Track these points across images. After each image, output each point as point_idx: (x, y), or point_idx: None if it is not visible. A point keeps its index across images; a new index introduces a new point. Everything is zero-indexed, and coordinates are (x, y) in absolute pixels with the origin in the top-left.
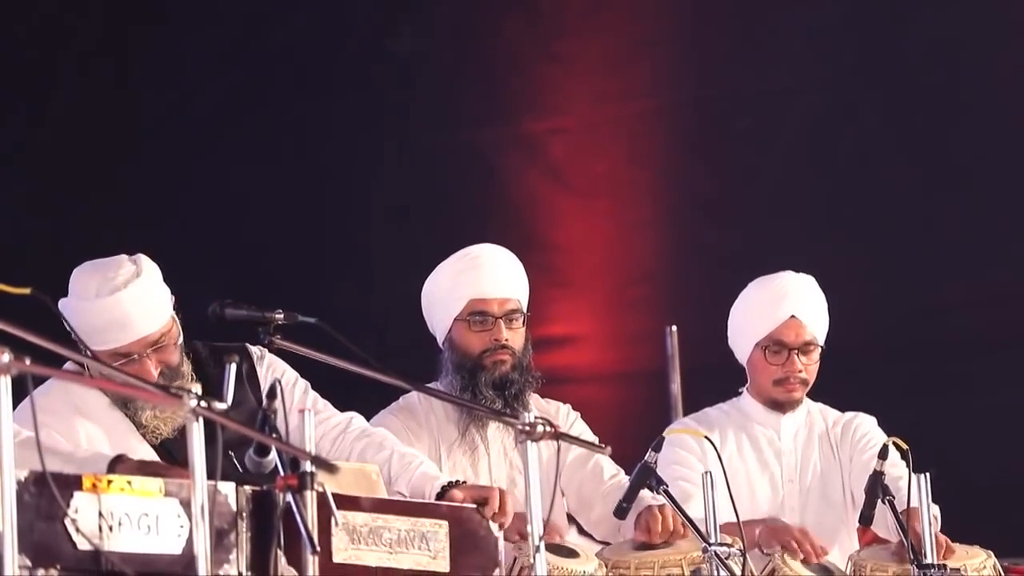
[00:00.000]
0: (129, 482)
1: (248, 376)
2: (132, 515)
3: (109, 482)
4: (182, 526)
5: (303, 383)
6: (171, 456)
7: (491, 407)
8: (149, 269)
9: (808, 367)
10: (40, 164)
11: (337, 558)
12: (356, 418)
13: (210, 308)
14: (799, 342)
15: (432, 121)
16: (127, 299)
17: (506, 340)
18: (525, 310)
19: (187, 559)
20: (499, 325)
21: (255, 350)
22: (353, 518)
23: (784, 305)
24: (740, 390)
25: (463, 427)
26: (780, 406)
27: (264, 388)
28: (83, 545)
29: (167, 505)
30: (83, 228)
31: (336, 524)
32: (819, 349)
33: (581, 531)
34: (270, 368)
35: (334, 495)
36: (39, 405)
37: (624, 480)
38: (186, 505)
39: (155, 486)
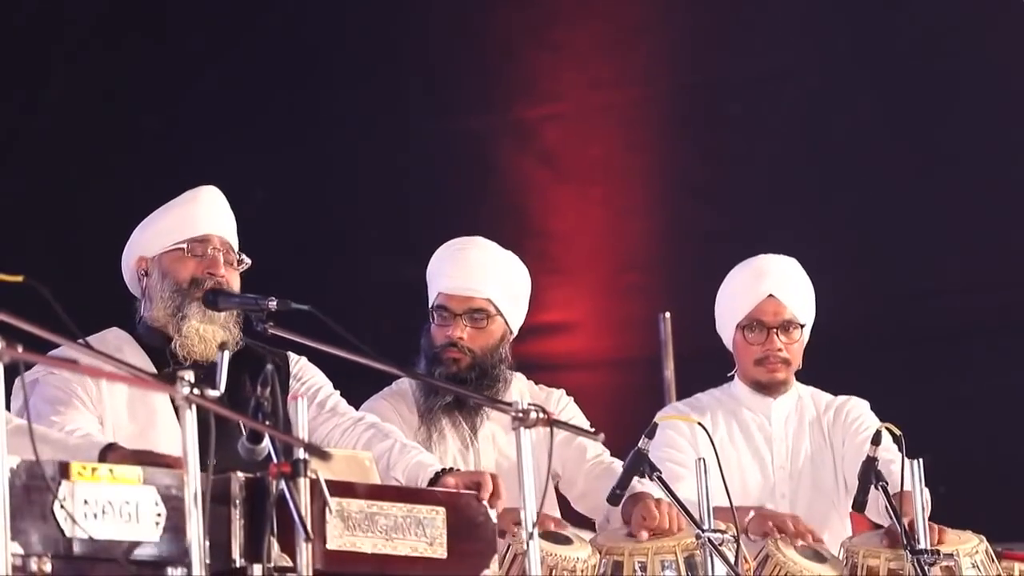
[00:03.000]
0: (111, 470)
1: (283, 382)
2: (115, 503)
3: (93, 470)
4: (159, 514)
5: (328, 391)
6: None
7: (485, 394)
8: None
9: (789, 346)
10: (34, 153)
11: (331, 545)
12: (370, 415)
13: (203, 295)
14: (778, 321)
15: (425, 108)
16: (209, 194)
17: (460, 339)
18: (501, 310)
19: (164, 546)
20: (457, 323)
21: (295, 357)
22: (348, 505)
23: (762, 285)
24: (730, 375)
25: (451, 413)
26: (767, 388)
27: (291, 393)
28: (70, 533)
29: (145, 493)
30: (77, 217)
31: (330, 511)
32: (801, 329)
33: (565, 520)
34: (300, 372)
35: (330, 482)
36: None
37: (606, 458)
38: (163, 493)
39: (134, 474)
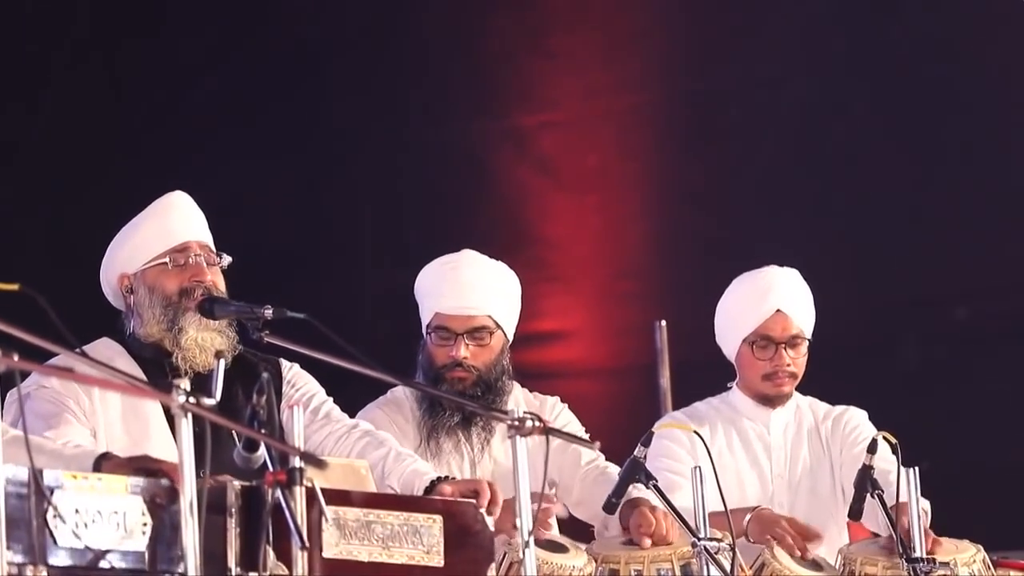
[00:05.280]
0: (100, 479)
1: (276, 389)
2: (104, 512)
3: (84, 479)
4: (145, 524)
5: (321, 398)
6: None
7: (482, 403)
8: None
9: (796, 360)
10: (32, 161)
11: (328, 553)
12: (363, 422)
13: (199, 304)
14: (786, 336)
15: (422, 115)
16: (179, 200)
17: (464, 358)
18: (501, 324)
19: (151, 556)
20: (459, 343)
21: (287, 364)
22: (345, 513)
23: (769, 299)
24: (729, 385)
25: (458, 431)
26: (770, 400)
27: (284, 401)
28: (63, 542)
29: (132, 503)
30: (75, 225)
31: (326, 520)
32: (806, 342)
33: (564, 531)
34: (293, 379)
35: (326, 490)
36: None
37: (601, 463)
38: (149, 503)
39: (120, 484)
